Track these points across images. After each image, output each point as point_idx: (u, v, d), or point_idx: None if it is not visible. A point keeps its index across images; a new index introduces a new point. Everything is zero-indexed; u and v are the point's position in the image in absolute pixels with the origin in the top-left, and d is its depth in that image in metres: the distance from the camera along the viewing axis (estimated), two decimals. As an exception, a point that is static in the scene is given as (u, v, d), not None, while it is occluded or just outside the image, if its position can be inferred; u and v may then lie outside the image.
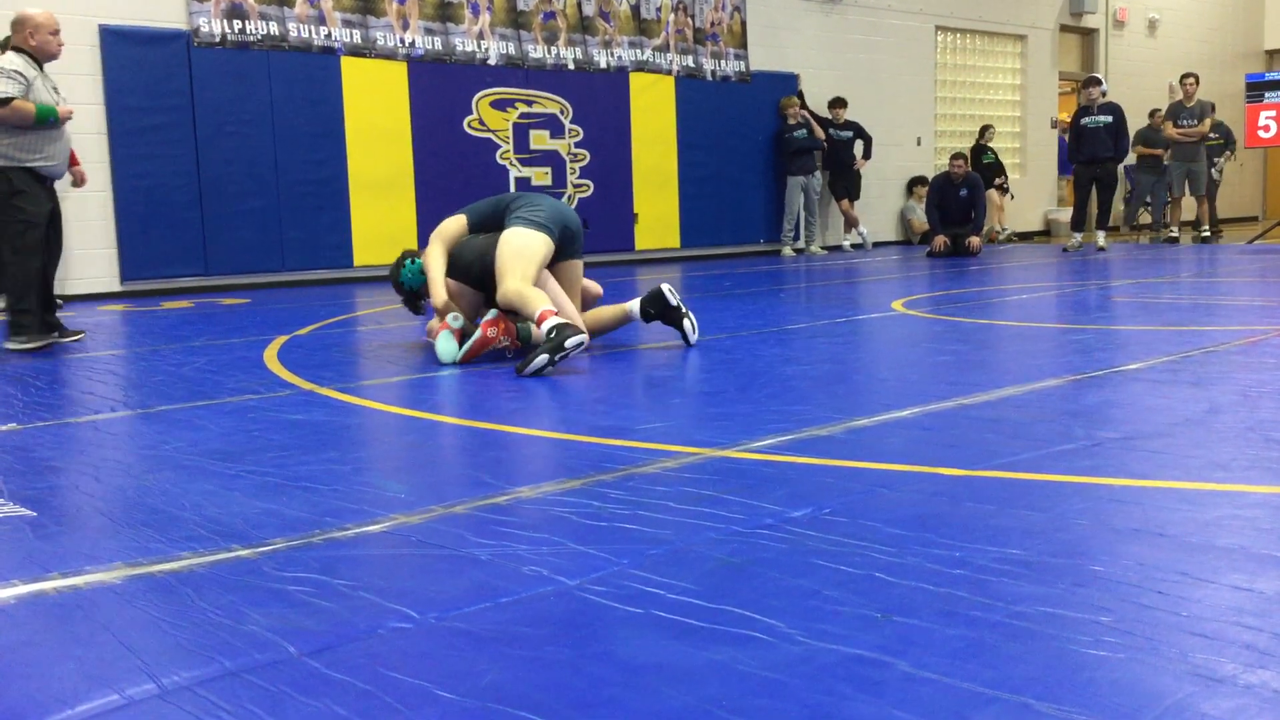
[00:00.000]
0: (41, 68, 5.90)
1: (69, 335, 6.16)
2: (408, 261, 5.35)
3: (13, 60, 5.76)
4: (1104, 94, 12.22)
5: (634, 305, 5.29)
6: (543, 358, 4.47)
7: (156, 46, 9.17)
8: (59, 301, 6.85)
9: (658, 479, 2.81)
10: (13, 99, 5.64)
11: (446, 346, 4.90)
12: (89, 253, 9.05)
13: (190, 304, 8.48)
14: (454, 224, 5.21)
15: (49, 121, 5.78)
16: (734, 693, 1.59)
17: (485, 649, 1.77)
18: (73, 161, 6.56)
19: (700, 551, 2.22)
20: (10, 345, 5.78)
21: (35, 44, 5.89)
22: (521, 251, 4.92)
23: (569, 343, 4.51)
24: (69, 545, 2.39)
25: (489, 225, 5.18)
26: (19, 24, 5.95)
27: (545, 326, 4.59)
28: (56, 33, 5.97)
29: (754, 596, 1.96)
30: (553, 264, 5.16)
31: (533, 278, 4.88)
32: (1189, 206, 13.78)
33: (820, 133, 13.12)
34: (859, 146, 13.56)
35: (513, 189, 11.04)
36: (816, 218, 13.44)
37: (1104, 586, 1.96)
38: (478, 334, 4.88)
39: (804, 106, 13.19)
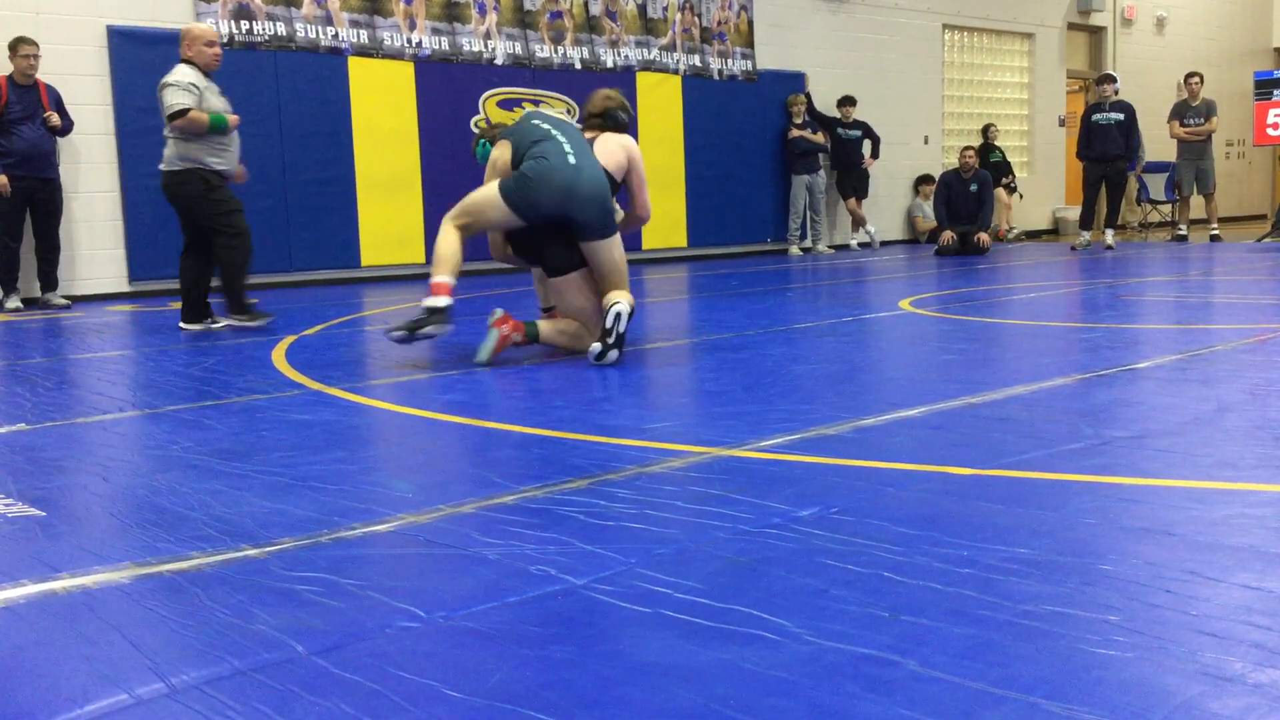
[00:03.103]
0: (209, 77, 6.36)
1: (220, 322, 6.65)
2: (484, 141, 5.41)
3: (185, 73, 6.22)
4: (1117, 92, 12.21)
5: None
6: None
7: (164, 47, 9.16)
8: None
9: (665, 478, 2.81)
10: (188, 110, 6.13)
11: (484, 344, 4.93)
12: (97, 253, 9.07)
13: (198, 304, 8.47)
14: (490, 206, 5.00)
15: (220, 129, 6.26)
16: (742, 692, 1.59)
17: (493, 648, 1.77)
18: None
19: (708, 551, 2.22)
20: (232, 320, 6.46)
21: (193, 55, 6.34)
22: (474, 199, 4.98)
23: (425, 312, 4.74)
24: (78, 545, 2.39)
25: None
26: (183, 37, 6.46)
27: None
28: (212, 44, 6.40)
29: (762, 596, 1.96)
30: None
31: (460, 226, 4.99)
32: (1197, 205, 13.74)
33: (819, 137, 13.09)
34: (867, 146, 13.54)
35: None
36: (822, 217, 13.43)
37: (1113, 585, 1.96)
38: (495, 334, 4.88)
39: (810, 107, 13.18)
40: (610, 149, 5.34)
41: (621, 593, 2.00)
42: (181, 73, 6.25)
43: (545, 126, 5.07)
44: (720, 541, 2.27)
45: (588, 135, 5.39)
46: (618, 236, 5.03)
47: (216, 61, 6.42)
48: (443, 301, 4.81)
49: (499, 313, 4.94)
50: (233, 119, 6.36)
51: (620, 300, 4.75)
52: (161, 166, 6.42)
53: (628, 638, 1.80)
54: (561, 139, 4.97)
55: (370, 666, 1.71)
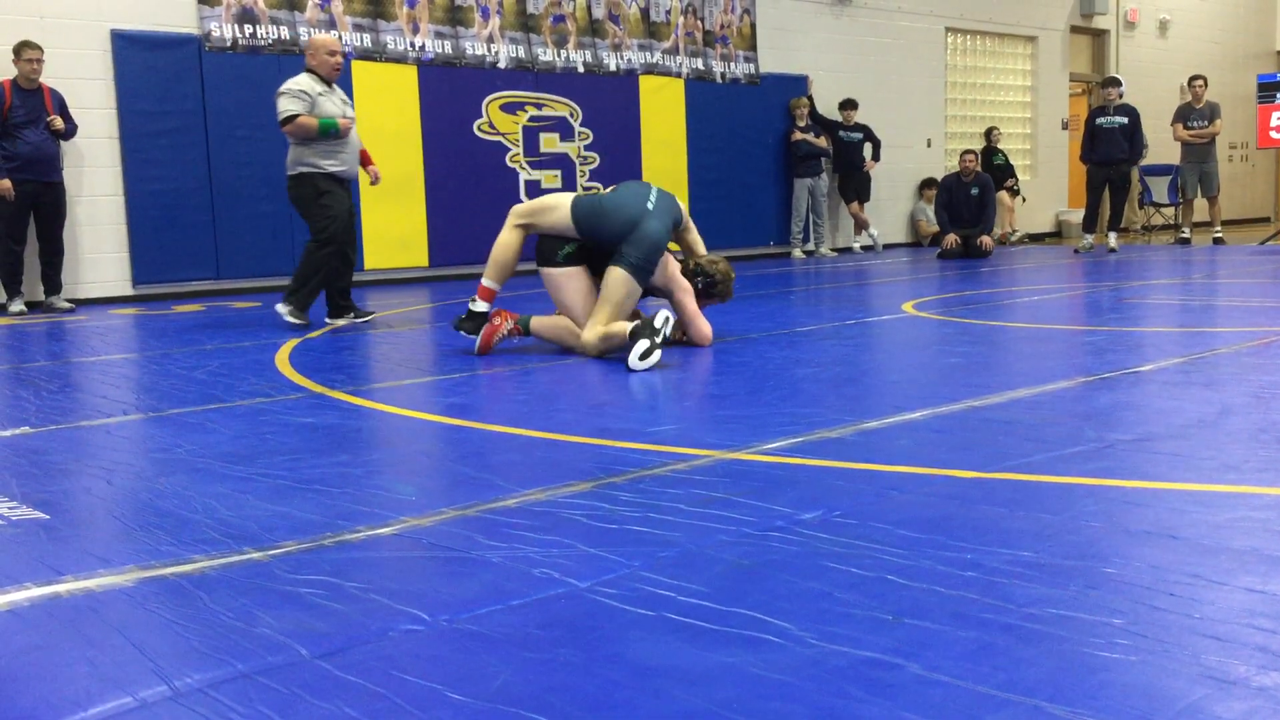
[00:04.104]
0: (330, 84, 6.64)
1: (363, 315, 6.91)
2: None
3: (300, 81, 6.51)
4: (1121, 95, 12.20)
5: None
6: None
7: (168, 51, 9.20)
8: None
9: (668, 481, 2.81)
10: (296, 116, 6.36)
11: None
12: (101, 257, 9.07)
13: (202, 308, 8.50)
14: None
15: (331, 133, 6.45)
16: (745, 695, 1.59)
17: (496, 651, 1.77)
18: (366, 161, 7.06)
19: (711, 554, 2.22)
20: (280, 307, 6.65)
21: (315, 63, 6.61)
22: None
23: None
24: (82, 548, 2.40)
25: (603, 232, 5.11)
26: (307, 46, 6.84)
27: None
28: (334, 53, 6.66)
29: (765, 599, 1.96)
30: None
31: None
32: (1200, 208, 13.73)
33: (822, 141, 13.09)
34: (868, 149, 13.54)
35: (523, 192, 11.04)
36: (825, 219, 13.43)
37: (1116, 589, 1.96)
38: (485, 325, 5.19)
39: (813, 110, 13.18)
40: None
41: (625, 596, 2.00)
42: (297, 80, 6.54)
43: (637, 188, 5.30)
44: (723, 545, 2.27)
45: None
46: (637, 284, 5.07)
47: (336, 70, 6.69)
48: (480, 306, 5.21)
49: (493, 308, 5.18)
50: (344, 122, 6.54)
51: (665, 311, 4.85)
52: (286, 171, 6.71)
53: (631, 641, 1.80)
54: (651, 196, 5.20)
55: (373, 669, 1.71)
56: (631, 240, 5.02)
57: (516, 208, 5.32)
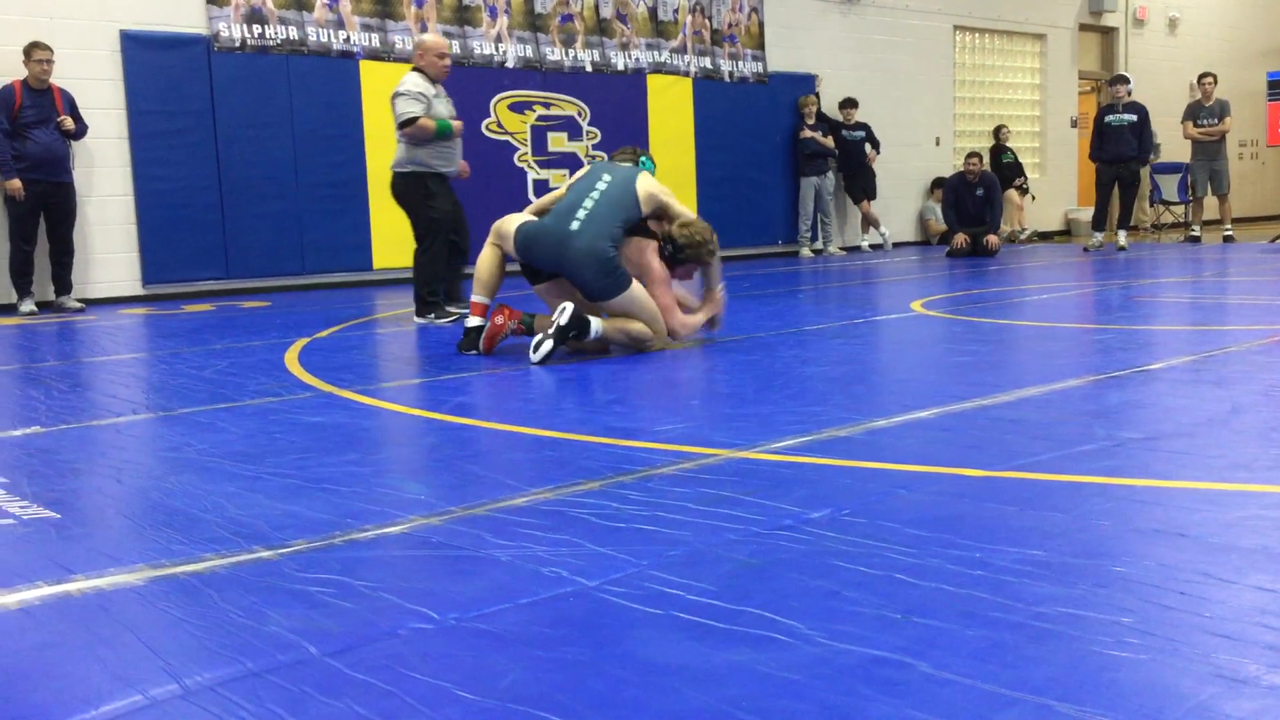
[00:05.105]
0: (437, 85, 6.73)
1: (445, 317, 6.88)
2: (644, 159, 5.63)
3: (415, 82, 6.60)
4: (1129, 93, 12.17)
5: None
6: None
7: (177, 51, 9.23)
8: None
9: (676, 480, 2.81)
10: (418, 118, 6.48)
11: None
12: (110, 256, 9.10)
13: (211, 307, 8.53)
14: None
15: (446, 134, 6.59)
16: (754, 693, 1.59)
17: (505, 649, 1.78)
18: None
19: (719, 552, 2.22)
20: (419, 320, 6.79)
21: (425, 65, 6.72)
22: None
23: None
24: (92, 547, 2.41)
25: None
26: (416, 47, 6.96)
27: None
28: (443, 56, 6.79)
29: (773, 597, 1.96)
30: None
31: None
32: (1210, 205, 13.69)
33: (829, 141, 13.07)
34: (869, 148, 13.51)
35: (530, 191, 11.06)
36: (832, 218, 13.41)
37: (1126, 587, 1.95)
38: (487, 323, 5.22)
39: (820, 110, 13.16)
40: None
41: (633, 594, 2.00)
42: (411, 81, 6.61)
43: (584, 185, 5.23)
44: (732, 543, 2.27)
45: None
46: (633, 289, 5.07)
47: (445, 72, 6.79)
48: (474, 322, 5.28)
49: (496, 305, 5.22)
50: (457, 124, 6.67)
51: (568, 305, 4.94)
52: (393, 167, 6.78)
53: (639, 639, 1.80)
54: (586, 204, 5.10)
55: (383, 668, 1.72)
56: (571, 269, 5.03)
57: (494, 226, 5.33)
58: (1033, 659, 1.67)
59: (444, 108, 6.70)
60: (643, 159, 5.64)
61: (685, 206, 5.39)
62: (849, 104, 13.36)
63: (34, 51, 8.17)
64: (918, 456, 3.03)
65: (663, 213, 5.31)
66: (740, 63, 12.82)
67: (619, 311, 5.06)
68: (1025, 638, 1.75)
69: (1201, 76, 13.18)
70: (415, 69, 6.76)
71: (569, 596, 2.00)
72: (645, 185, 5.21)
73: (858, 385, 4.30)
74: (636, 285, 5.08)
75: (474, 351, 5.22)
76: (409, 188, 6.70)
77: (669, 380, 4.59)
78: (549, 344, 4.86)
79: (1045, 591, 1.94)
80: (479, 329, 5.22)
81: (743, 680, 1.63)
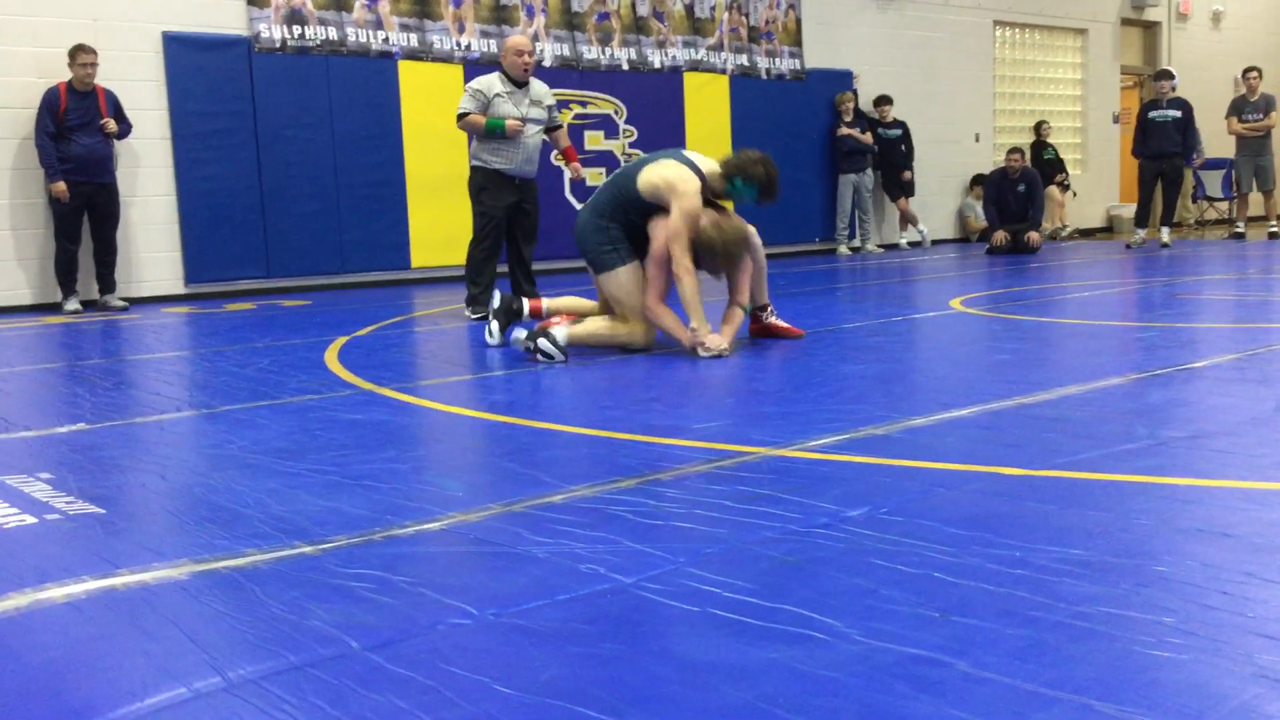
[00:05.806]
0: (519, 85, 6.80)
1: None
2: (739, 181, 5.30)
3: (484, 79, 6.82)
4: (1174, 88, 12.03)
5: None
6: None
7: (218, 52, 9.32)
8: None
9: (713, 478, 2.82)
10: (466, 114, 6.68)
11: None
12: (154, 256, 9.21)
13: (252, 306, 8.61)
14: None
15: (497, 133, 6.66)
16: (791, 691, 1.59)
17: (543, 645, 1.79)
18: (570, 157, 7.31)
19: (756, 550, 2.22)
20: (468, 313, 6.93)
21: (506, 64, 6.86)
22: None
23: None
24: (137, 542, 2.44)
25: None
26: (502, 47, 7.10)
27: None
28: (520, 54, 6.80)
29: (811, 595, 1.96)
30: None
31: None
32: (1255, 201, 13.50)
33: (868, 138, 12.99)
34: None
35: (567, 191, 11.07)
36: (870, 215, 13.33)
37: (1168, 587, 1.93)
38: (519, 305, 5.57)
39: (858, 107, 13.09)
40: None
41: (670, 591, 2.00)
42: (484, 78, 6.84)
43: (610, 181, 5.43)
44: (769, 541, 2.27)
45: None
46: (616, 273, 5.12)
47: (525, 70, 6.82)
48: (498, 302, 5.62)
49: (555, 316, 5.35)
50: (511, 124, 6.67)
51: (497, 291, 5.52)
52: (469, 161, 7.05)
53: (677, 636, 1.81)
54: (601, 184, 5.43)
55: (423, 662, 1.73)
56: (577, 242, 5.34)
57: None
58: (1073, 658, 1.66)
59: (511, 107, 6.73)
60: (735, 180, 5.30)
61: (692, 204, 5.02)
62: (884, 101, 13.29)
63: (78, 55, 8.28)
64: (956, 455, 3.02)
65: (663, 204, 5.12)
66: (777, 60, 12.78)
67: (608, 292, 5.20)
68: (1065, 637, 1.73)
69: (1246, 71, 13.00)
70: (501, 68, 6.91)
71: (607, 593, 2.01)
72: (651, 173, 5.10)
73: (896, 383, 4.28)
74: (626, 270, 5.10)
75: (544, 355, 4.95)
76: (470, 181, 6.98)
77: (707, 378, 4.59)
78: (494, 325, 5.46)
79: (1086, 591, 1.92)
80: (504, 310, 5.50)
81: (780, 677, 1.63)
